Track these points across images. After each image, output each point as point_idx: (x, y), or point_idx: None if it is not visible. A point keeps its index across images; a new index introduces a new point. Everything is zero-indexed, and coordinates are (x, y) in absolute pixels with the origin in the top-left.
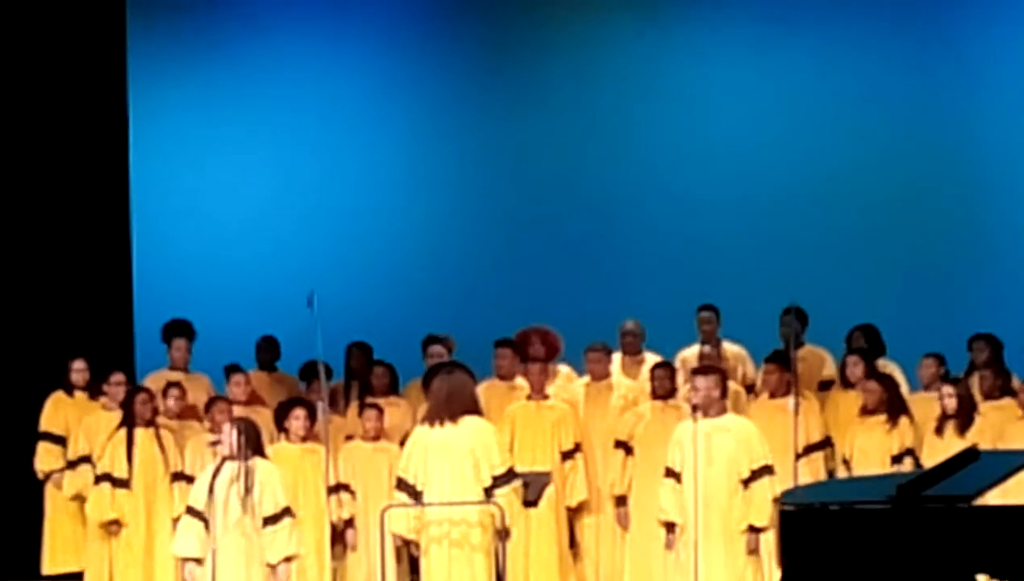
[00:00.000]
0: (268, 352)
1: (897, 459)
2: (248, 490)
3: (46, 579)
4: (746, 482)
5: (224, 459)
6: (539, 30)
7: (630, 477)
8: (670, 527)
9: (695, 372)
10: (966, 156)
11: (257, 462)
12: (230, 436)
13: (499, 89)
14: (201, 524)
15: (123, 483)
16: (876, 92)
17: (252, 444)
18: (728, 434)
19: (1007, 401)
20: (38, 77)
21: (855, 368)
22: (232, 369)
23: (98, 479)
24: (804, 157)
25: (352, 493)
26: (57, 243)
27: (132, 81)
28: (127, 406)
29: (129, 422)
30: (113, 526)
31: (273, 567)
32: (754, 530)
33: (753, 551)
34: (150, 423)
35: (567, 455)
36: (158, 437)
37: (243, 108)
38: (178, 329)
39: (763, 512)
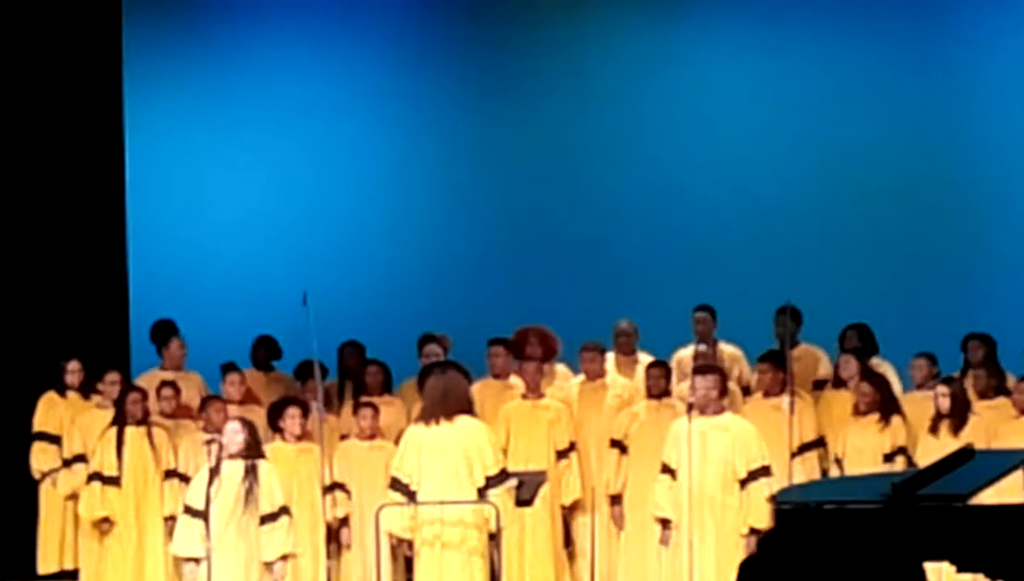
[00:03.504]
0: (266, 351)
1: (889, 458)
2: (251, 488)
3: (41, 579)
4: (743, 483)
5: (221, 457)
6: (534, 28)
7: (625, 476)
8: (665, 523)
9: (695, 372)
10: (961, 155)
11: (259, 461)
12: (239, 434)
13: (495, 88)
14: (201, 523)
15: (113, 481)
16: (871, 91)
17: (256, 443)
18: (725, 433)
19: (1001, 400)
20: (33, 75)
21: (848, 365)
22: (228, 368)
23: (89, 478)
24: (799, 157)
25: (347, 492)
26: (52, 243)
27: (128, 81)
28: (119, 405)
29: (120, 421)
30: (104, 524)
31: (269, 565)
32: (755, 532)
33: None
34: (142, 422)
35: (562, 454)
36: (150, 436)
37: (238, 107)
38: (173, 330)
39: (762, 514)
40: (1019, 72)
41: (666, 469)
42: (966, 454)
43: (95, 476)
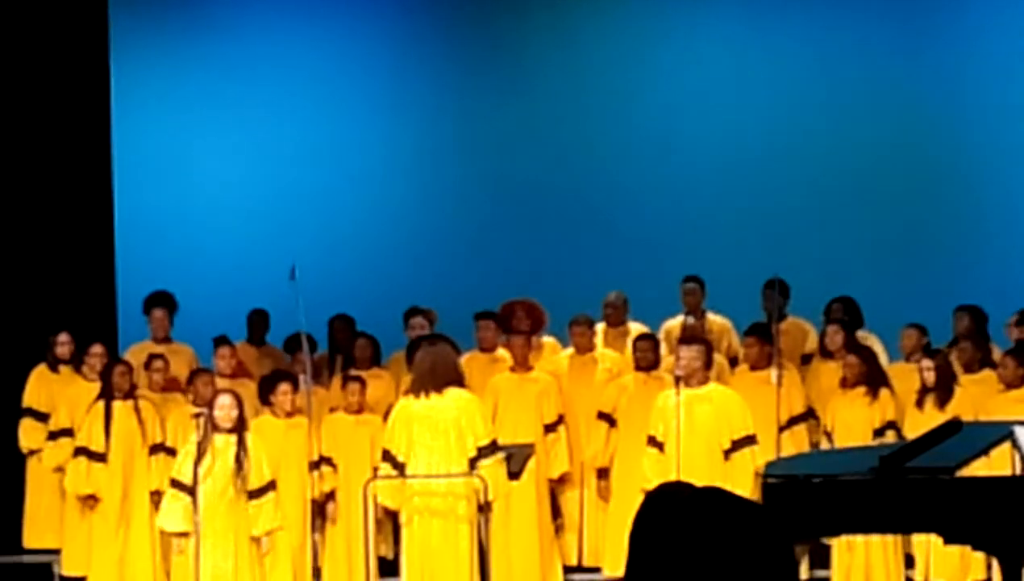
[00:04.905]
0: (259, 326)
1: (879, 432)
2: (242, 463)
3: (27, 553)
4: (727, 453)
5: (209, 431)
6: (526, 4)
7: (612, 449)
8: None
9: (680, 342)
10: (949, 128)
11: (246, 435)
12: (234, 409)
13: (484, 63)
14: (188, 498)
15: (100, 457)
16: (862, 66)
17: (243, 417)
18: (709, 404)
19: (987, 373)
20: (18, 50)
21: (835, 337)
22: (219, 341)
23: (76, 452)
24: (789, 131)
25: (334, 466)
26: (39, 217)
27: (114, 54)
28: (105, 379)
29: (107, 395)
30: (90, 500)
31: (257, 539)
32: None
33: None
34: (128, 395)
35: (550, 427)
36: (137, 410)
37: (225, 81)
38: (159, 300)
39: (745, 484)
40: (1010, 49)
41: (652, 441)
42: (953, 427)
43: (81, 451)
